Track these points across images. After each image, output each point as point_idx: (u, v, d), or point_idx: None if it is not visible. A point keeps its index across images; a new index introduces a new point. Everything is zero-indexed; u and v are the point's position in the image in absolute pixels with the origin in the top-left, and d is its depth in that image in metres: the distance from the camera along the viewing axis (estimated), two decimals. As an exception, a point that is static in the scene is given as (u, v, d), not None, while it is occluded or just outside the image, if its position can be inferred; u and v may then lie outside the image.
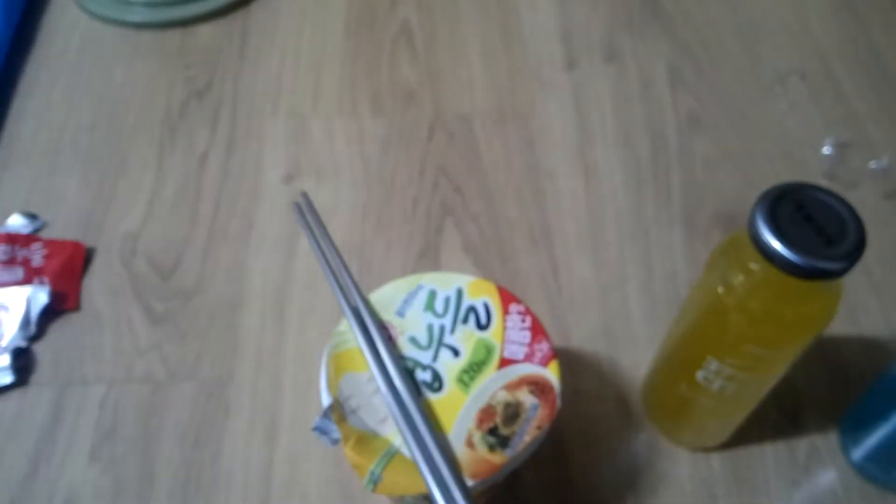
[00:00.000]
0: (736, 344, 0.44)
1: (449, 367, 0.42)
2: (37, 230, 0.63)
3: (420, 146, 0.69)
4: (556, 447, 0.52)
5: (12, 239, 0.61)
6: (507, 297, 0.45)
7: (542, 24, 0.79)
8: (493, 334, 0.44)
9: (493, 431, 0.40)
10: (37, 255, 0.60)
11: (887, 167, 0.67)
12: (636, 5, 0.80)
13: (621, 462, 0.52)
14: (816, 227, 0.38)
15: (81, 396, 0.55)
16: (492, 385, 0.41)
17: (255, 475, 0.51)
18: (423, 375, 0.42)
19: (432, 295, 0.45)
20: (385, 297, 0.45)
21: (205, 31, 0.78)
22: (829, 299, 0.41)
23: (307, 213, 0.51)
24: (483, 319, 0.44)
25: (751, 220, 0.39)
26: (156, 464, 0.52)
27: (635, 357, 0.56)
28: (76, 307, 0.59)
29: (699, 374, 0.47)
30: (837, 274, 0.38)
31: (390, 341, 0.43)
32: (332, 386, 0.42)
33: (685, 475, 0.52)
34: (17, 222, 0.63)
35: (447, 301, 0.45)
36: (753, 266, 0.40)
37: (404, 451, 0.39)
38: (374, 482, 0.38)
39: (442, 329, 0.44)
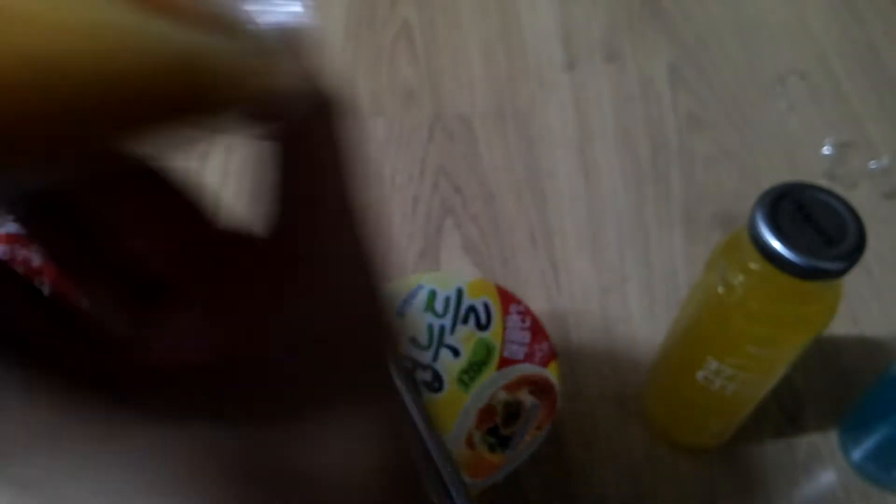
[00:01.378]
0: (736, 344, 0.44)
1: (449, 367, 0.42)
2: (37, 230, 0.63)
3: (420, 146, 0.69)
4: (556, 447, 0.52)
5: (12, 239, 0.61)
6: (506, 298, 0.45)
7: (542, 24, 0.78)
8: (493, 334, 0.44)
9: (493, 431, 0.40)
10: (37, 255, 0.60)
11: (887, 167, 0.67)
12: (636, 5, 0.80)
13: (621, 462, 0.52)
14: (816, 227, 0.38)
15: (81, 396, 0.55)
16: (492, 385, 0.42)
17: (255, 475, 0.51)
18: (423, 375, 0.42)
19: (432, 295, 0.45)
20: None
21: (205, 31, 0.78)
22: (828, 299, 0.41)
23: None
24: (483, 319, 0.44)
25: (751, 219, 0.39)
26: (156, 464, 0.52)
27: (635, 357, 0.56)
28: (76, 307, 0.59)
29: (699, 374, 0.47)
30: (837, 274, 0.38)
31: None
32: None
33: (685, 475, 0.52)
34: (17, 222, 0.63)
35: (447, 301, 0.45)
36: (753, 266, 0.40)
37: None
38: None
39: (442, 329, 0.44)
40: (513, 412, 0.40)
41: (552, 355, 0.43)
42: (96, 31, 0.12)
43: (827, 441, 0.53)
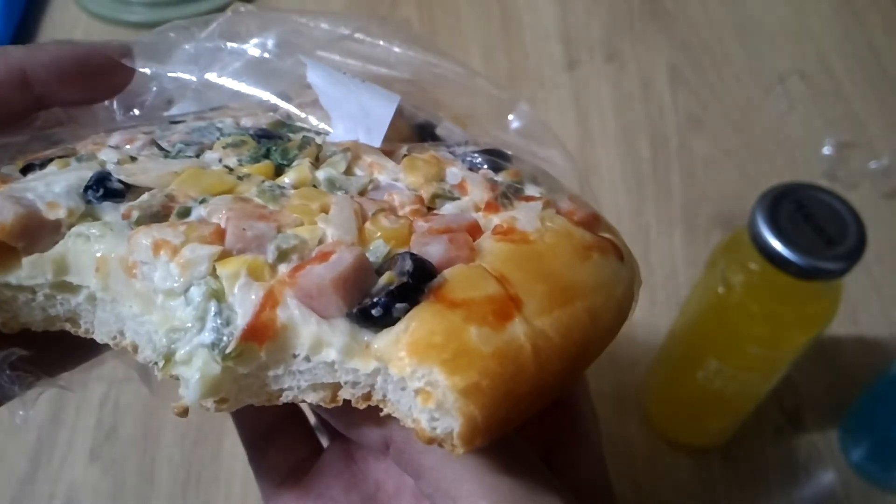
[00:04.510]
0: (736, 344, 0.44)
1: None
2: (37, 230, 0.63)
3: (420, 146, 0.69)
4: (556, 447, 0.52)
5: None
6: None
7: (542, 24, 0.78)
8: None
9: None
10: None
11: (887, 167, 0.67)
12: (636, 5, 0.80)
13: (621, 462, 0.52)
14: (816, 227, 0.38)
15: (81, 396, 0.55)
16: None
17: (255, 475, 0.51)
18: None
19: None
20: None
21: (205, 30, 0.78)
22: (829, 299, 0.41)
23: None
24: None
25: (751, 219, 0.39)
26: (156, 464, 0.52)
27: (635, 357, 0.56)
28: (76, 307, 0.59)
29: (699, 375, 0.47)
30: (837, 274, 0.38)
31: None
32: None
33: (685, 475, 0.52)
34: (17, 222, 0.63)
35: None
36: (753, 266, 0.40)
37: None
38: None
39: None
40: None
41: None
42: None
43: (827, 441, 0.53)
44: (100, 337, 0.25)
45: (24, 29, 0.78)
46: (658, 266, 0.61)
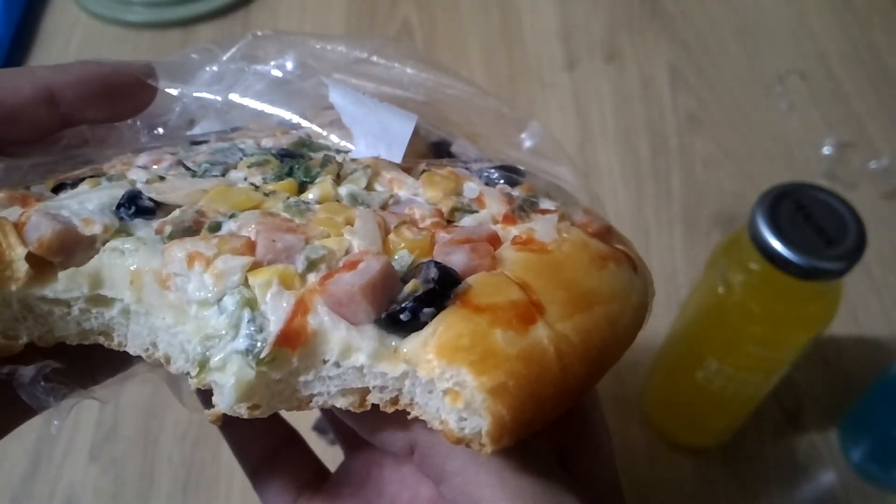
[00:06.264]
0: (736, 344, 0.44)
1: None
2: (37, 230, 0.63)
3: (420, 146, 0.69)
4: (556, 447, 0.52)
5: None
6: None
7: (542, 24, 0.78)
8: None
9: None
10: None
11: (887, 167, 0.67)
12: (636, 5, 0.80)
13: (621, 462, 0.52)
14: (816, 227, 0.38)
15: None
16: None
17: (255, 475, 0.51)
18: None
19: None
20: None
21: (205, 30, 0.78)
22: (828, 299, 0.41)
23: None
24: None
25: (751, 219, 0.39)
26: (156, 464, 0.52)
27: (635, 357, 0.56)
28: (76, 307, 0.59)
29: (699, 375, 0.47)
30: (837, 274, 0.38)
31: None
32: None
33: (685, 475, 0.52)
34: (17, 222, 0.63)
35: None
36: (753, 266, 0.40)
37: None
38: None
39: None
40: None
41: None
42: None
43: (827, 441, 0.53)
44: (133, 349, 0.26)
45: (25, 29, 0.78)
46: (658, 266, 0.61)
